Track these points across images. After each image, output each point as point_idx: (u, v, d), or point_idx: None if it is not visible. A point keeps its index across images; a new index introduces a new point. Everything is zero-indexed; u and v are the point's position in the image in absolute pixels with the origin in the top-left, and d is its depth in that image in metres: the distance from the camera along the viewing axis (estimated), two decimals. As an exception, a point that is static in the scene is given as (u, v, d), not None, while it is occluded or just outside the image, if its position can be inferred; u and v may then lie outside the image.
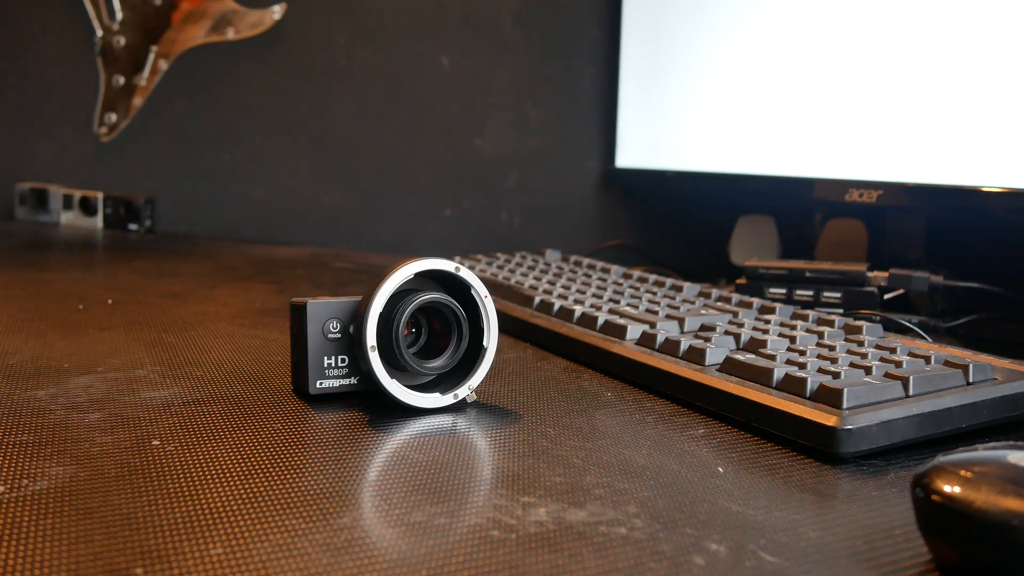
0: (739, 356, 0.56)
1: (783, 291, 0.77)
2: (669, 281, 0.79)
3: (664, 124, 1.04)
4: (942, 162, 0.78)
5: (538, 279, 0.84)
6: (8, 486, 0.41)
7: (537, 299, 0.75)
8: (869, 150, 0.83)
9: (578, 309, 0.70)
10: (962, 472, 0.35)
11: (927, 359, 0.55)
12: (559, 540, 0.37)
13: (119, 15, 1.39)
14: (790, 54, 0.90)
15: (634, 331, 0.64)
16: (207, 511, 0.39)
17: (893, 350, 0.57)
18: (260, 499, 0.40)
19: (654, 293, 0.76)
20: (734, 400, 0.53)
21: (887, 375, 0.52)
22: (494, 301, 0.55)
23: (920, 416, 0.49)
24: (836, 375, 0.51)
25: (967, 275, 0.78)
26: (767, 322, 0.65)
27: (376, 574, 0.34)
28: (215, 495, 0.40)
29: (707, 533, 0.38)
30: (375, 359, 0.51)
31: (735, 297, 0.72)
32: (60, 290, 0.90)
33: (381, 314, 0.52)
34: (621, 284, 0.80)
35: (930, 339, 0.67)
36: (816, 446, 0.48)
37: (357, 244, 1.31)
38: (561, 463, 0.46)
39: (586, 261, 0.91)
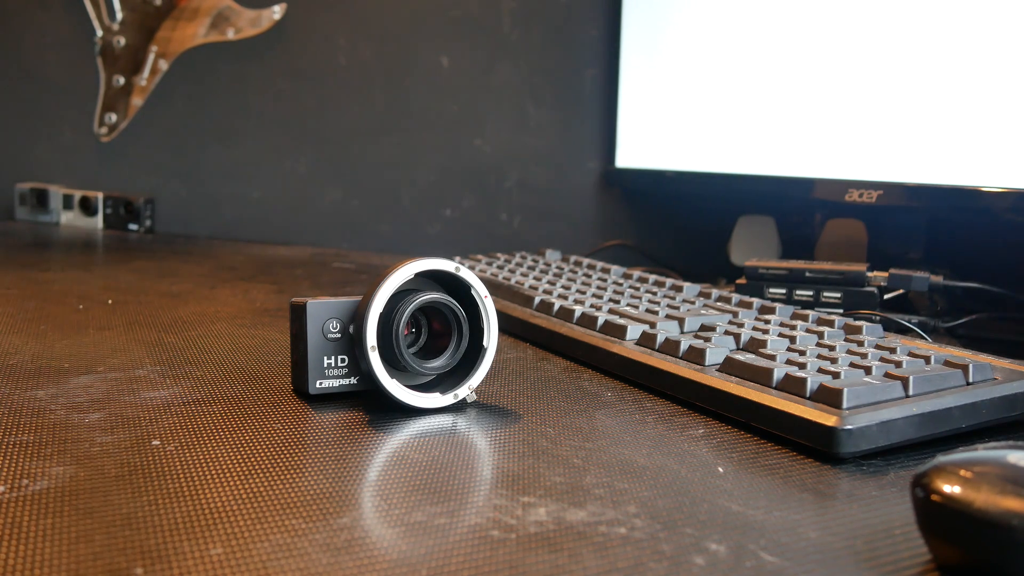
0: (739, 356, 0.56)
1: (783, 291, 0.77)
2: (669, 281, 0.79)
3: (664, 124, 1.04)
4: (942, 162, 0.78)
5: (538, 279, 0.84)
6: (8, 486, 0.41)
7: (537, 299, 0.75)
8: (869, 150, 0.83)
9: (578, 309, 0.70)
10: (962, 472, 0.35)
11: (927, 359, 0.55)
12: (559, 540, 0.37)
13: (119, 15, 1.39)
14: (790, 54, 0.90)
15: (634, 331, 0.64)
16: (207, 511, 0.39)
17: (893, 350, 0.57)
18: (260, 499, 0.40)
19: (654, 293, 0.76)
20: (734, 400, 0.53)
21: (887, 375, 0.52)
22: (494, 301, 0.55)
23: (920, 416, 0.49)
24: (836, 375, 0.51)
25: (967, 275, 0.78)
26: (767, 322, 0.65)
27: (376, 574, 0.34)
28: (215, 495, 0.40)
29: (707, 533, 0.38)
30: (375, 359, 0.51)
31: (735, 297, 0.72)
32: (60, 290, 0.90)
33: (381, 314, 0.52)
34: (621, 284, 0.80)
35: (930, 339, 0.67)
36: (816, 446, 0.48)
37: (357, 244, 1.31)
38: (561, 463, 0.46)
39: (586, 261, 0.91)
